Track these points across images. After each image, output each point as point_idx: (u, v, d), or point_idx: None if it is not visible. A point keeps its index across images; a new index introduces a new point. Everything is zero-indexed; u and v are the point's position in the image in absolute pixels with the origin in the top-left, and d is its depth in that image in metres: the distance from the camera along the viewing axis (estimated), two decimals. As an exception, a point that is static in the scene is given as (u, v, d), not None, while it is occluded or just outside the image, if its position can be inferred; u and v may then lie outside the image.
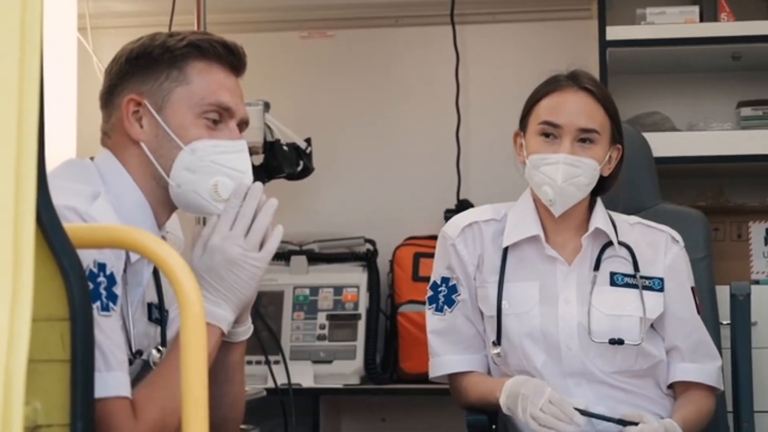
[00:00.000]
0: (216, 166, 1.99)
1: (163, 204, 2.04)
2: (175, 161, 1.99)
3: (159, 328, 2.08)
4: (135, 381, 2.06)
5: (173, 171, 1.99)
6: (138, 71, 2.02)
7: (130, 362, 1.94)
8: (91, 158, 2.06)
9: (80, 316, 1.41)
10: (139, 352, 1.99)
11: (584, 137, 2.54)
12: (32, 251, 1.23)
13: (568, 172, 2.51)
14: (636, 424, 2.45)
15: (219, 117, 2.02)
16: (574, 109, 2.54)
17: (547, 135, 2.54)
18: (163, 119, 1.99)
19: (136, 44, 2.04)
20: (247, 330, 2.08)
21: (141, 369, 2.05)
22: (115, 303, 1.83)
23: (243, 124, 2.08)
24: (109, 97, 2.05)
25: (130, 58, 2.03)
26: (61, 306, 1.40)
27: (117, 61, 2.05)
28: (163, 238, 2.07)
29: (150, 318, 2.06)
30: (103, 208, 1.91)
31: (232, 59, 2.06)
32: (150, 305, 2.05)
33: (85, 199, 1.88)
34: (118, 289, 1.85)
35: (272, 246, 1.98)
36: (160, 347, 2.06)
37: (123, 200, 1.99)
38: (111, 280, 1.82)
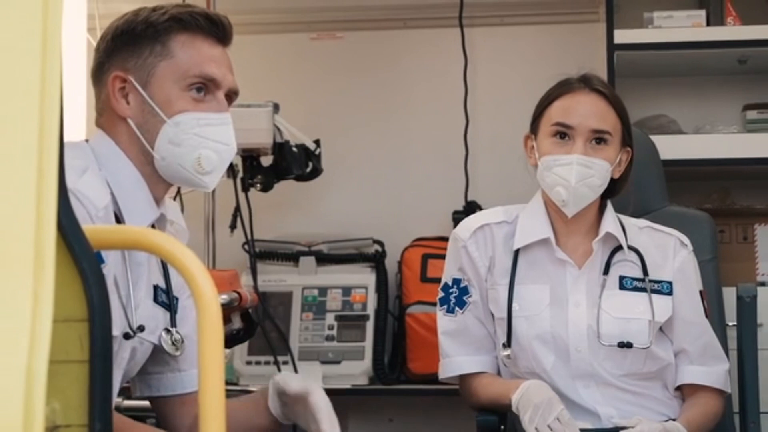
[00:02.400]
0: (200, 139, 2.01)
1: (157, 178, 2.05)
2: (158, 134, 2.01)
3: (168, 313, 2.10)
4: (147, 363, 2.09)
5: (157, 144, 2.01)
6: (123, 48, 2.03)
7: (129, 336, 1.98)
8: (87, 140, 2.08)
9: (98, 317, 1.42)
10: (141, 328, 2.01)
11: (597, 138, 2.55)
12: (53, 254, 1.25)
13: (581, 173, 2.52)
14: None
15: (205, 88, 2.03)
16: (587, 110, 2.55)
17: (559, 136, 2.55)
18: (148, 94, 2.01)
19: (121, 21, 2.05)
20: None
21: (151, 352, 2.08)
22: None
23: (233, 94, 2.09)
24: (98, 74, 2.07)
25: (115, 36, 2.04)
26: (79, 307, 1.41)
27: (104, 38, 2.07)
28: (162, 216, 2.09)
29: (156, 300, 2.08)
30: (92, 182, 1.93)
31: (215, 30, 2.06)
32: (156, 288, 2.08)
33: (73, 173, 1.89)
34: (105, 269, 1.86)
35: None
36: (169, 328, 2.09)
37: (118, 177, 2.00)
38: (96, 257, 1.83)
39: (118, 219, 1.96)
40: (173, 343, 2.09)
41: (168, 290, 2.10)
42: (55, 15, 1.30)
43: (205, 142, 2.01)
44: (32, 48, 1.28)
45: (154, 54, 2.01)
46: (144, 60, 2.01)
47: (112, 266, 1.93)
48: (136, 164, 2.03)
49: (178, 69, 2.01)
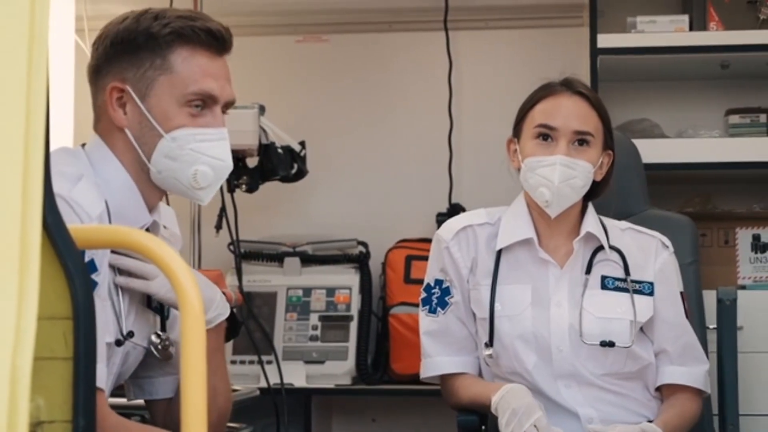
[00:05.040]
0: (196, 155, 2.02)
1: (152, 186, 2.06)
2: (155, 148, 2.01)
3: (158, 317, 2.11)
4: (138, 367, 2.10)
5: (154, 157, 2.02)
6: (122, 56, 2.03)
7: (120, 343, 1.99)
8: (83, 145, 2.09)
9: (83, 314, 1.43)
10: (130, 333, 2.02)
11: (579, 139, 2.57)
12: (38, 252, 1.26)
13: (564, 174, 2.53)
14: None
15: (203, 104, 2.03)
16: (570, 112, 2.57)
17: (542, 138, 2.57)
18: (146, 107, 2.01)
19: (121, 26, 2.04)
20: (216, 317, 2.09)
21: (144, 356, 2.09)
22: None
23: (228, 104, 2.09)
24: (95, 77, 2.07)
25: (114, 42, 2.03)
26: (64, 305, 1.42)
27: (103, 41, 2.06)
28: (155, 222, 2.10)
29: (150, 305, 2.09)
30: (87, 190, 1.94)
31: (216, 43, 2.06)
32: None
33: (67, 182, 1.90)
34: (98, 277, 1.88)
35: None
36: (159, 332, 2.10)
37: (111, 184, 2.01)
38: (90, 266, 1.84)
39: None
40: (163, 348, 2.10)
41: None
42: (41, 16, 1.31)
43: (201, 157, 2.02)
44: (18, 50, 1.30)
45: (154, 67, 2.01)
46: (143, 72, 2.01)
47: (106, 275, 1.95)
48: (131, 172, 2.03)
49: (178, 84, 2.01)
